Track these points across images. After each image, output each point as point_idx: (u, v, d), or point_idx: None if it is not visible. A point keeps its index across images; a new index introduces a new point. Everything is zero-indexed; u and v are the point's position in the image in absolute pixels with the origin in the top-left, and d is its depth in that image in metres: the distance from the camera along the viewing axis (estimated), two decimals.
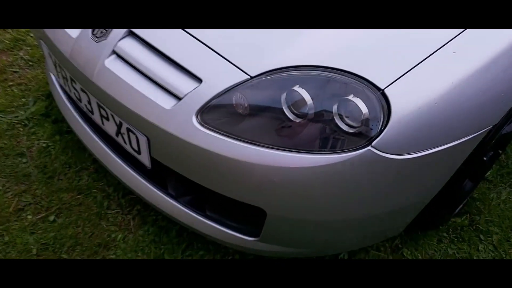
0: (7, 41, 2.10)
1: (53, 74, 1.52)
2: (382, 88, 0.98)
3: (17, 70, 1.98)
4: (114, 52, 1.17)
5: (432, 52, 1.02)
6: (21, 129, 1.72)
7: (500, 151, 1.60)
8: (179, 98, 1.07)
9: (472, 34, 1.06)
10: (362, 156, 0.99)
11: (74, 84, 1.33)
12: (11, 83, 1.90)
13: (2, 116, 1.75)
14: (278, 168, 1.03)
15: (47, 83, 1.85)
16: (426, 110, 0.99)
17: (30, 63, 2.02)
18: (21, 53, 2.06)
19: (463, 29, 1.05)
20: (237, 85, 1.04)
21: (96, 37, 1.20)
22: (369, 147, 0.98)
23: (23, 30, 2.17)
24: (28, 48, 2.09)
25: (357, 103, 0.98)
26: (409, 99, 0.99)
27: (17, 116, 1.76)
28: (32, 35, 2.14)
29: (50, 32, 1.33)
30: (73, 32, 1.26)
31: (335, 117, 1.00)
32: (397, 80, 0.99)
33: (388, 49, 1.05)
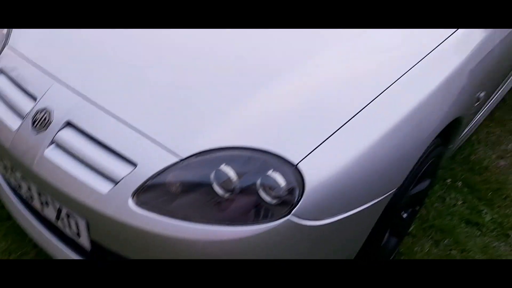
0: None
1: None
2: (296, 163, 1.12)
3: None
4: (53, 141, 1.26)
5: (339, 126, 1.19)
6: None
7: (418, 207, 1.79)
8: (115, 182, 1.16)
9: (372, 108, 1.24)
10: (284, 224, 1.11)
11: (14, 173, 1.38)
12: None
13: None
14: (212, 241, 1.12)
15: None
16: (336, 179, 1.14)
17: None
18: None
19: (367, 103, 1.24)
20: (169, 167, 1.15)
21: (36, 129, 1.29)
22: (290, 216, 1.10)
23: None
24: None
25: (276, 178, 1.11)
26: (320, 170, 1.13)
27: None
28: None
29: None
30: (13, 125, 1.34)
31: (258, 191, 1.12)
32: (308, 154, 1.13)
33: (302, 124, 1.20)
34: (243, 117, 1.22)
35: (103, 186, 1.17)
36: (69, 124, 1.27)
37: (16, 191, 1.49)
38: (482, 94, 1.68)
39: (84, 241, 1.27)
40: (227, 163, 1.13)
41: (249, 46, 1.44)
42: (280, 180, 1.11)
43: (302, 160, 1.13)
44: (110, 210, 1.15)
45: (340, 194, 1.16)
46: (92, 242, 1.26)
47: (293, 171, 1.12)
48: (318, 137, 1.16)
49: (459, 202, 2.05)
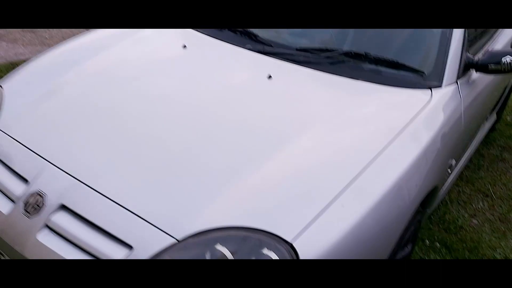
0: None
1: None
2: (289, 241, 1.16)
3: None
4: (46, 226, 1.26)
5: (329, 202, 1.24)
6: None
7: None
8: None
9: (358, 183, 1.31)
10: None
11: (2, 257, 1.36)
12: None
13: None
14: None
15: None
16: (328, 254, 1.18)
17: None
18: None
19: (352, 178, 1.31)
20: (166, 249, 1.17)
21: (29, 213, 1.29)
22: None
23: None
24: None
25: (270, 255, 1.14)
26: (313, 246, 1.17)
27: None
28: None
29: None
30: (4, 208, 1.34)
31: None
32: (302, 231, 1.18)
33: (294, 202, 1.25)
34: (238, 195, 1.26)
35: None
36: (62, 206, 1.28)
37: None
38: (453, 162, 1.79)
39: None
40: (222, 243, 1.16)
41: (240, 124, 1.52)
42: (274, 258, 1.14)
43: (296, 237, 1.17)
44: None
45: None
46: None
47: (288, 248, 1.16)
48: (310, 214, 1.22)
49: None
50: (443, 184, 1.88)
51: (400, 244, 1.49)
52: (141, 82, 1.71)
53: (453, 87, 1.80)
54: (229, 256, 1.14)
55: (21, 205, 1.31)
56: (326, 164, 1.37)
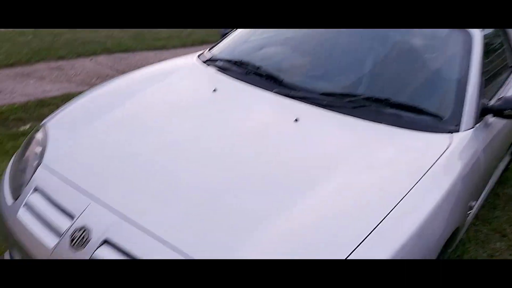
0: None
1: None
2: None
3: None
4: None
5: (356, 246, 1.30)
6: None
7: None
8: None
9: (383, 227, 1.38)
10: None
11: None
12: None
13: None
14: None
15: None
16: None
17: None
18: None
19: (377, 223, 1.37)
20: None
21: (74, 247, 1.37)
22: None
23: None
24: None
25: None
26: None
27: None
28: None
29: (26, 242, 1.47)
30: (50, 243, 1.42)
31: None
32: None
33: (320, 248, 1.29)
34: (267, 238, 1.32)
35: None
36: (106, 241, 1.36)
37: None
38: (473, 203, 1.86)
39: None
40: None
41: (270, 167, 1.60)
42: None
43: None
44: None
45: None
46: None
47: None
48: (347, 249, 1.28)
49: None
50: (463, 225, 1.94)
51: None
52: (178, 126, 1.83)
53: (471, 132, 1.88)
54: None
55: (67, 239, 1.39)
56: (351, 208, 1.43)
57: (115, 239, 1.36)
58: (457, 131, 1.86)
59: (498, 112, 1.98)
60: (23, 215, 1.53)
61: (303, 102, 1.94)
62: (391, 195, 1.47)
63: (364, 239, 1.32)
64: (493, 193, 3.06)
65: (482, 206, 2.85)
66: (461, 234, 2.02)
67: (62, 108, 2.03)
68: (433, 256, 1.48)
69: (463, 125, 1.88)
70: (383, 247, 1.33)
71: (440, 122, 1.89)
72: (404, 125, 1.84)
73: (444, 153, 1.71)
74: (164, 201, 1.45)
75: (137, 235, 1.35)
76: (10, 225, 1.55)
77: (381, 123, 1.84)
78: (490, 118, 2.06)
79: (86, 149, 1.71)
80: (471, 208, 1.86)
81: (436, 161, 1.65)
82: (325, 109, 1.90)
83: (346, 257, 1.27)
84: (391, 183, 1.54)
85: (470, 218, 2.15)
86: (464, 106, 1.93)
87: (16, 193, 1.63)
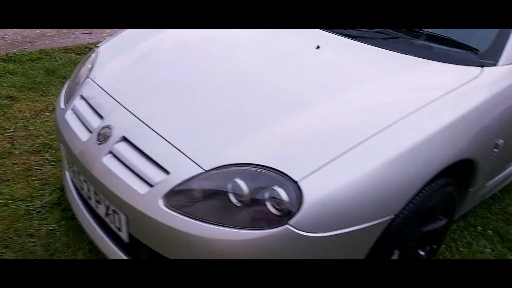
0: (37, 145, 2.57)
1: (67, 171, 1.92)
2: (297, 180, 1.31)
3: (41, 168, 2.40)
4: (110, 152, 1.57)
5: (343, 152, 1.37)
6: (35, 214, 2.08)
7: (435, 246, 1.85)
8: (151, 185, 1.42)
9: (377, 139, 1.41)
10: (282, 231, 1.29)
11: (79, 176, 1.71)
12: (34, 178, 2.31)
13: (22, 203, 2.13)
14: (223, 241, 1.33)
15: (62, 179, 2.25)
16: (333, 198, 1.31)
17: (53, 163, 2.45)
18: (46, 155, 2.51)
19: (373, 133, 1.41)
20: (194, 176, 1.39)
21: (99, 141, 1.61)
22: (287, 225, 1.29)
23: (53, 136, 2.65)
24: (53, 151, 2.55)
25: (280, 192, 1.31)
26: (319, 189, 1.31)
27: (33, 204, 2.13)
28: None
29: (68, 136, 1.76)
30: (83, 137, 1.68)
31: (265, 202, 1.32)
32: (310, 174, 1.32)
33: (310, 148, 1.40)
34: (261, 140, 1.44)
35: (142, 188, 1.43)
36: (124, 138, 1.58)
37: (80, 193, 1.81)
38: (500, 141, 1.75)
39: (123, 234, 1.54)
40: (240, 177, 1.35)
41: (280, 81, 1.71)
42: (283, 195, 1.30)
43: (303, 178, 1.32)
44: (144, 207, 1.41)
45: (336, 213, 1.32)
46: (130, 235, 1.52)
47: (295, 187, 1.31)
48: (322, 160, 1.35)
49: (487, 249, 2.06)
50: (492, 165, 1.84)
51: (419, 210, 1.53)
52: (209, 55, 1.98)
53: (508, 67, 1.76)
54: (246, 189, 1.33)
55: (95, 135, 1.64)
56: (349, 121, 1.48)
57: (131, 137, 1.57)
58: (493, 65, 1.75)
59: None
60: (69, 116, 1.82)
61: (331, 33, 1.97)
62: (394, 113, 1.49)
63: (351, 148, 1.38)
64: None
65: None
66: (496, 177, 1.93)
67: (114, 35, 2.28)
68: (425, 178, 1.47)
69: (502, 59, 1.76)
70: (368, 158, 1.38)
71: (476, 55, 1.79)
72: (433, 57, 1.78)
73: (469, 82, 1.64)
74: (177, 111, 1.63)
75: (149, 135, 1.55)
76: (59, 123, 1.85)
77: (407, 54, 1.80)
78: None
79: (124, 68, 1.94)
80: (497, 146, 1.76)
81: (456, 88, 1.61)
82: (352, 39, 1.92)
83: (328, 161, 1.35)
84: (399, 104, 1.55)
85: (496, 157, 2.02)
86: (508, 39, 1.80)
87: (68, 99, 1.93)
